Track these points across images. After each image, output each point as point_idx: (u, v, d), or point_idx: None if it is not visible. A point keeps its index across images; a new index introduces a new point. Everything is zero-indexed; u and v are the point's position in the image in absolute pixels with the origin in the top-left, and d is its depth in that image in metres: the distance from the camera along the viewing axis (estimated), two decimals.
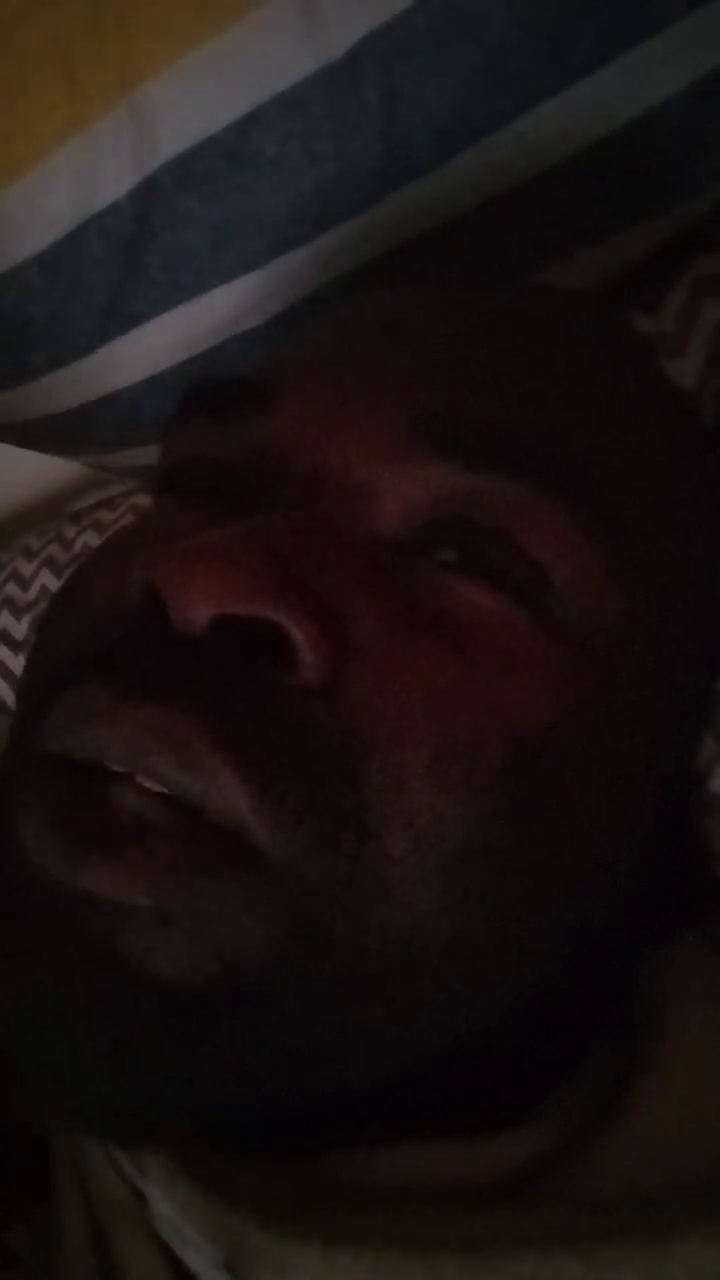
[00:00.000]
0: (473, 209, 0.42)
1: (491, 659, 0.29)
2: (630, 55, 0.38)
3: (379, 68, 0.39)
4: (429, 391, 0.31)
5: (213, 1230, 0.28)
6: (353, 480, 0.30)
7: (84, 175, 0.43)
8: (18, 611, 0.60)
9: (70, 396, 0.51)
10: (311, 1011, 0.27)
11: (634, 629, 0.31)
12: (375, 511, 0.30)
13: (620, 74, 0.38)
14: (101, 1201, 0.31)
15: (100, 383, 0.49)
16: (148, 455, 0.53)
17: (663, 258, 0.44)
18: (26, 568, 0.62)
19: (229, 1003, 0.27)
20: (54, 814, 0.27)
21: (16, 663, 0.59)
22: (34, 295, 0.46)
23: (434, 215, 0.42)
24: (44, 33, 0.41)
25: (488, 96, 0.39)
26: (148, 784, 0.27)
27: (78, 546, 0.61)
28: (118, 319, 0.47)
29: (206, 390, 0.35)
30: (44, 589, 0.60)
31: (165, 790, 0.27)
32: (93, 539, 0.61)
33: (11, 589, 0.61)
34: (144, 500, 0.61)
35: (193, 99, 0.41)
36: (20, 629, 0.59)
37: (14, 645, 0.59)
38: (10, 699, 0.58)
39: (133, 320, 0.47)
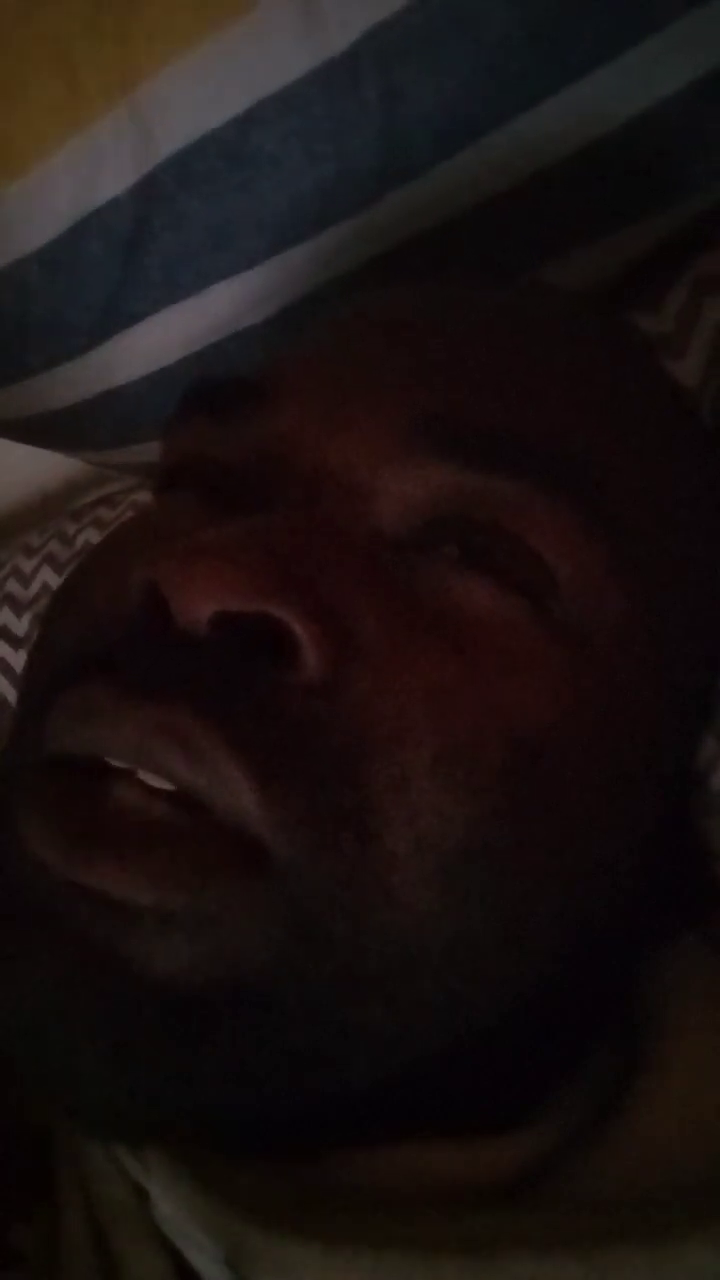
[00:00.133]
0: (472, 208, 0.42)
1: (492, 659, 0.29)
2: (629, 55, 0.38)
3: (378, 66, 0.39)
4: (429, 391, 0.31)
5: (214, 1229, 0.28)
6: (353, 480, 0.30)
7: (84, 173, 0.43)
8: (18, 608, 0.60)
9: (70, 394, 0.51)
10: (312, 1012, 0.27)
11: (634, 629, 0.31)
12: (376, 511, 0.30)
13: (619, 73, 0.38)
14: (103, 1200, 0.31)
15: (100, 380, 0.49)
16: (148, 452, 0.53)
17: (662, 257, 0.44)
18: (27, 565, 0.61)
19: (229, 1003, 0.27)
20: (55, 812, 0.28)
21: (17, 660, 0.58)
22: (34, 293, 0.46)
23: (433, 214, 0.42)
24: (44, 31, 0.41)
25: (487, 96, 0.39)
26: (151, 781, 0.27)
27: (78, 543, 0.61)
28: (117, 317, 0.47)
29: (206, 390, 0.35)
30: (45, 586, 0.60)
31: (169, 787, 0.27)
32: (93, 536, 0.60)
33: (12, 586, 0.61)
34: (144, 497, 0.61)
35: (192, 97, 0.41)
36: (21, 626, 0.59)
37: (15, 642, 0.59)
38: (11, 696, 0.58)
39: (132, 318, 0.47)
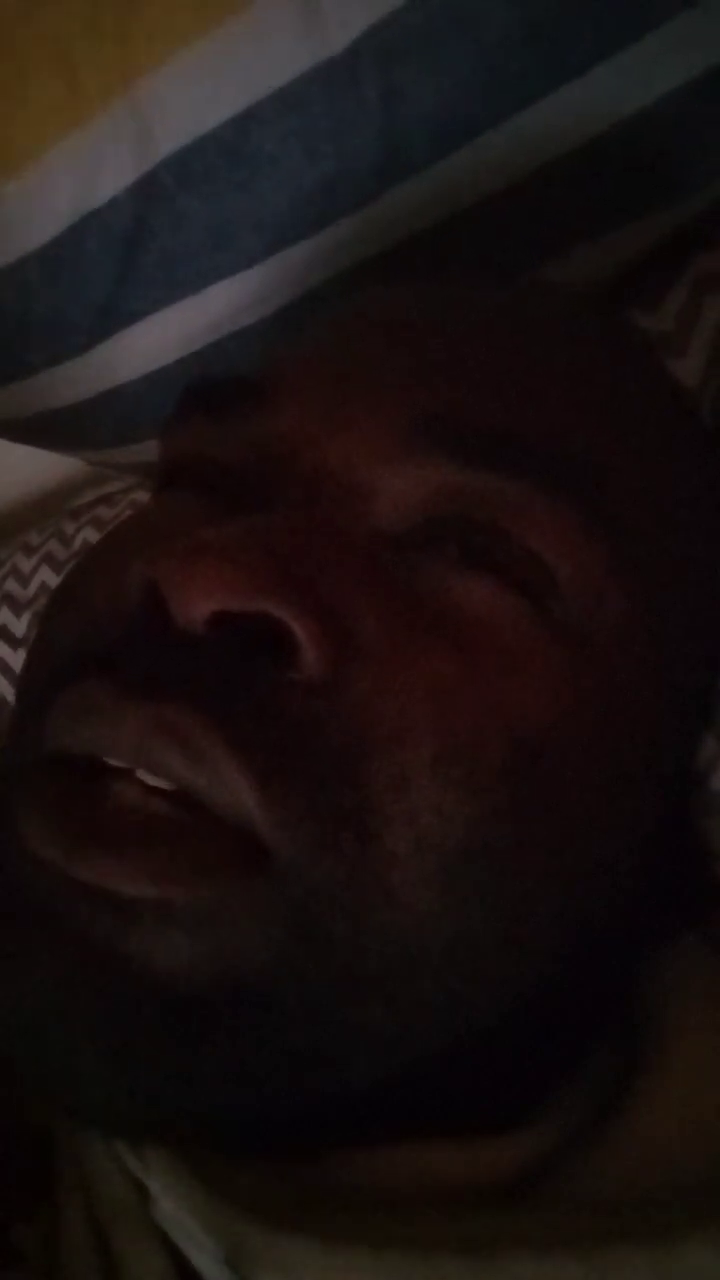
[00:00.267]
0: (471, 207, 0.42)
1: (492, 658, 0.29)
2: (627, 53, 0.38)
3: (378, 65, 0.39)
4: (429, 391, 0.31)
5: (214, 1228, 0.28)
6: (353, 480, 0.30)
7: (83, 172, 0.43)
8: (17, 608, 0.60)
9: (69, 393, 0.51)
10: (312, 1012, 0.27)
11: (634, 629, 0.31)
12: (376, 511, 0.30)
13: (617, 72, 0.38)
14: (103, 1199, 0.31)
15: (99, 379, 0.49)
16: (147, 452, 0.53)
17: (662, 257, 0.44)
18: (26, 564, 0.62)
19: (229, 1003, 0.27)
20: (55, 811, 0.28)
21: (16, 659, 0.58)
22: (33, 292, 0.46)
23: (432, 213, 0.42)
24: (44, 31, 0.41)
25: (486, 94, 0.39)
26: (150, 780, 0.27)
27: (77, 543, 0.61)
28: (117, 316, 0.46)
29: (205, 389, 0.35)
30: (43, 585, 0.60)
31: (168, 786, 0.27)
32: (92, 535, 0.60)
33: (11, 585, 0.61)
34: (143, 497, 0.61)
35: (192, 96, 0.41)
36: (20, 625, 0.59)
37: (14, 642, 0.59)
38: (10, 696, 0.58)
39: (132, 317, 0.46)
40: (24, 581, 0.61)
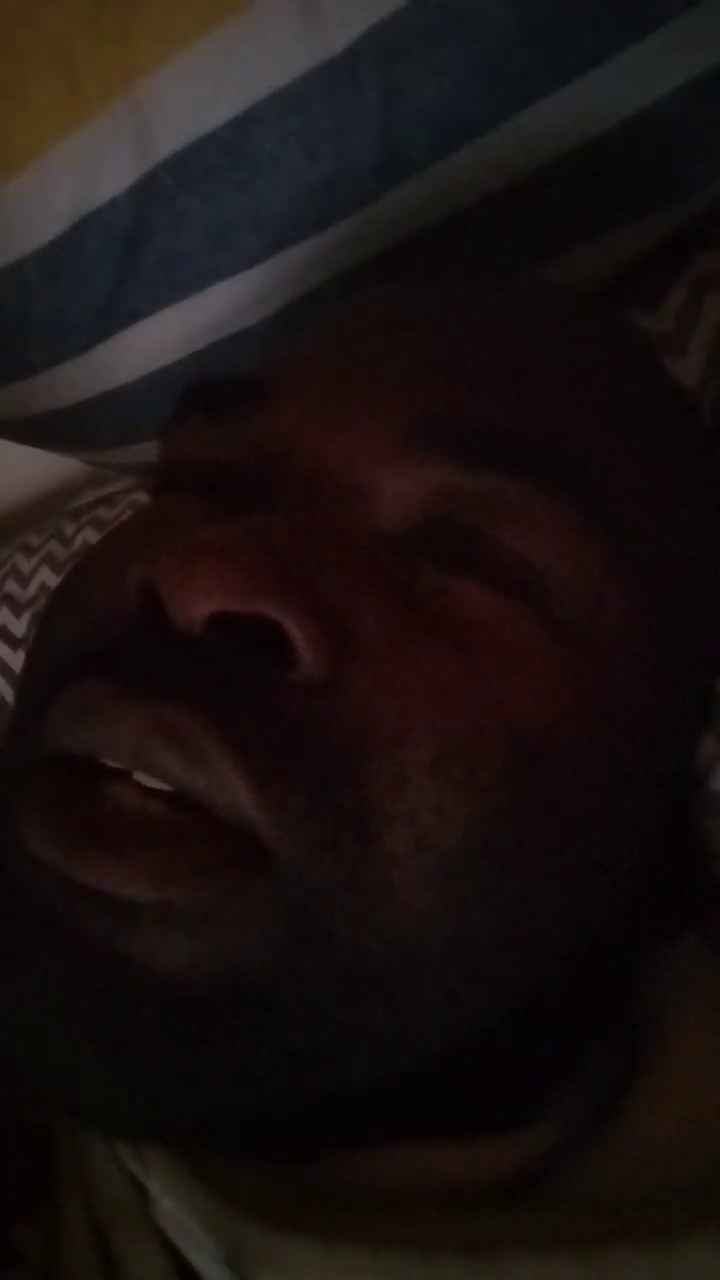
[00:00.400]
0: (471, 206, 0.42)
1: (492, 658, 0.29)
2: (627, 53, 0.38)
3: (378, 65, 0.39)
4: (429, 391, 0.31)
5: (214, 1227, 0.28)
6: (353, 480, 0.30)
7: (83, 172, 0.43)
8: (17, 608, 0.60)
9: (69, 393, 0.51)
10: (312, 1012, 0.27)
11: (634, 629, 0.31)
12: (375, 511, 0.30)
13: (617, 72, 0.38)
14: (103, 1199, 0.31)
15: (99, 379, 0.49)
16: (147, 452, 0.53)
17: (662, 257, 0.44)
18: (25, 564, 0.62)
19: (229, 1003, 0.27)
20: (55, 811, 0.28)
21: (16, 659, 0.58)
22: (33, 292, 0.46)
23: (432, 213, 0.42)
24: (44, 31, 0.41)
25: (485, 94, 0.39)
26: (149, 781, 0.27)
27: (77, 543, 0.61)
28: (117, 316, 0.47)
29: (205, 389, 0.35)
30: (43, 586, 0.60)
31: (167, 787, 0.27)
32: (92, 536, 0.60)
33: (11, 586, 0.61)
34: (143, 497, 0.61)
35: (192, 96, 0.41)
36: (19, 626, 0.59)
37: (13, 642, 0.59)
38: (10, 696, 0.58)
39: (131, 317, 0.47)
40: (24, 582, 0.61)
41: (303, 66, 0.39)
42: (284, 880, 0.26)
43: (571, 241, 0.43)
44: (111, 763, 0.28)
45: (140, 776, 0.27)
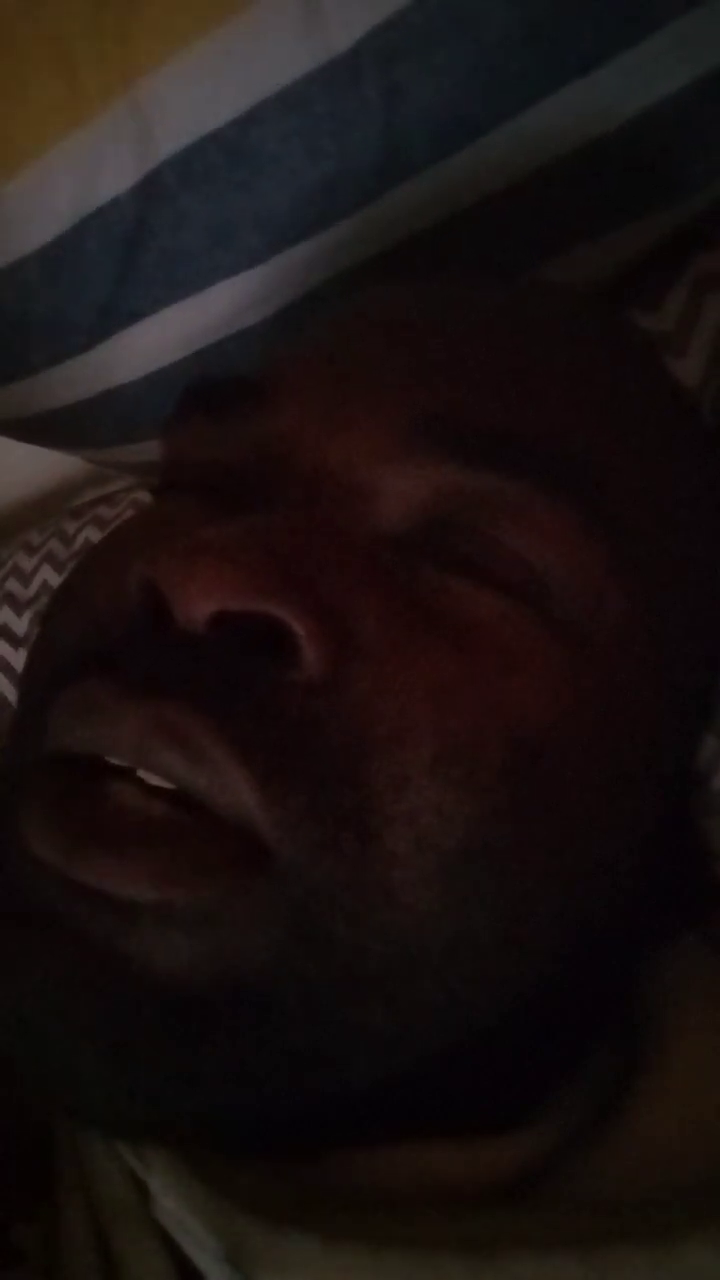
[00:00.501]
0: (471, 206, 0.42)
1: (492, 658, 0.29)
2: (629, 54, 0.38)
3: (380, 65, 0.39)
4: (429, 391, 0.31)
5: (215, 1226, 0.28)
6: (353, 480, 0.30)
7: (84, 172, 0.43)
8: (19, 607, 0.60)
9: (70, 392, 0.51)
10: (312, 1012, 0.27)
11: (634, 629, 0.31)
12: (376, 511, 0.30)
13: (619, 73, 0.38)
14: (104, 1199, 0.31)
15: (100, 379, 0.49)
16: (148, 451, 0.53)
17: (662, 257, 0.44)
18: (27, 563, 0.61)
19: (229, 1003, 0.27)
20: (55, 811, 0.28)
21: (18, 658, 0.58)
22: (34, 291, 0.46)
23: (433, 213, 0.42)
24: (44, 31, 0.41)
25: (486, 95, 0.39)
26: (151, 780, 0.27)
27: (78, 542, 0.61)
28: (117, 315, 0.46)
29: (205, 389, 0.35)
30: (45, 584, 0.60)
31: (169, 786, 0.27)
32: (93, 535, 0.60)
33: (12, 584, 0.61)
34: (145, 496, 0.61)
35: (192, 96, 0.41)
36: (21, 624, 0.59)
37: (15, 641, 0.59)
38: (12, 695, 0.58)
39: (132, 317, 0.46)
40: (25, 580, 0.61)
41: (304, 66, 0.39)
42: (285, 880, 0.26)
43: (571, 241, 0.43)
44: (113, 761, 0.28)
45: (142, 774, 0.27)
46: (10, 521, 0.73)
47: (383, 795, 0.27)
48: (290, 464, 0.31)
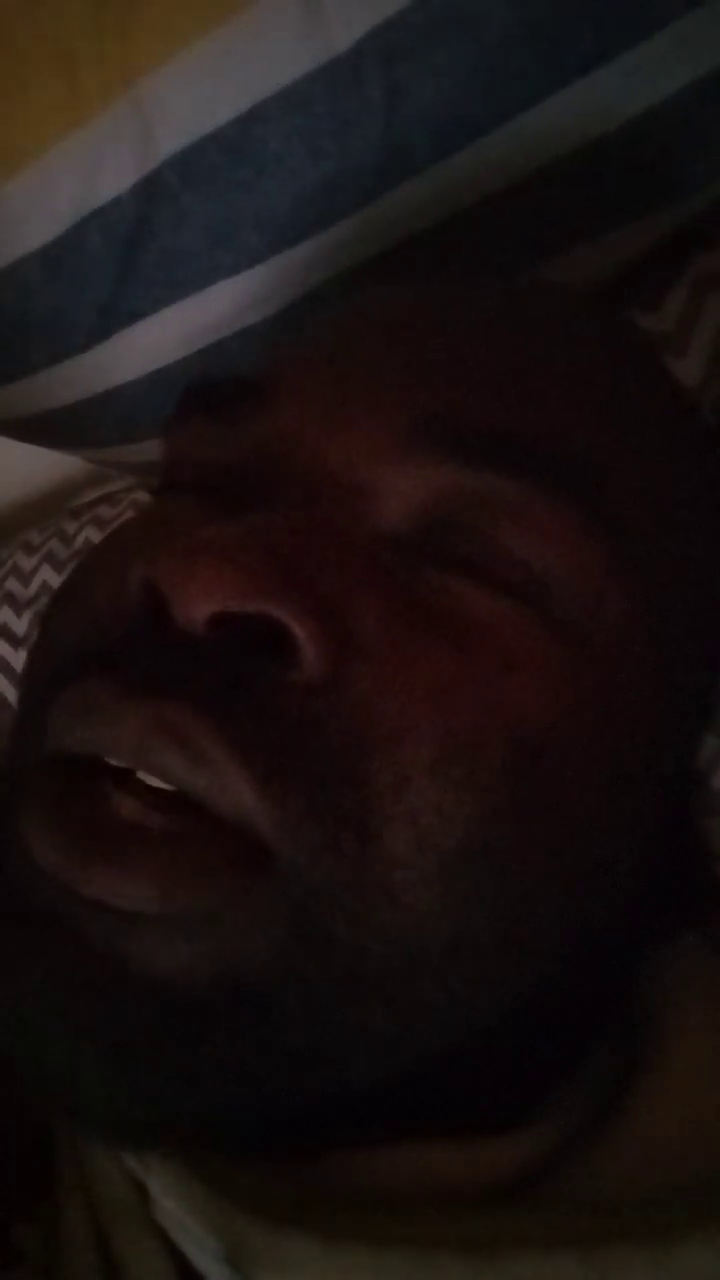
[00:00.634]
0: (471, 206, 0.42)
1: (492, 658, 0.29)
2: (629, 54, 0.38)
3: (381, 65, 0.39)
4: (429, 391, 0.31)
5: (215, 1227, 0.28)
6: (353, 480, 0.30)
7: (85, 171, 0.43)
8: (18, 607, 0.60)
9: (70, 392, 0.51)
10: (312, 1012, 0.27)
11: (634, 629, 0.31)
12: (376, 511, 0.30)
13: (619, 73, 0.38)
14: (104, 1199, 0.31)
15: (100, 379, 0.49)
16: (148, 451, 0.53)
17: (662, 257, 0.44)
18: (27, 563, 0.62)
19: (230, 1004, 0.27)
20: (55, 812, 0.28)
21: (17, 658, 0.58)
22: (34, 291, 0.46)
23: (433, 213, 0.42)
24: (44, 30, 0.41)
25: (487, 95, 0.39)
26: (151, 781, 0.27)
27: (78, 542, 0.61)
28: (117, 315, 0.46)
29: (205, 389, 0.35)
30: (45, 584, 0.60)
31: (169, 787, 0.27)
32: (94, 535, 0.60)
33: (12, 584, 0.61)
34: (145, 496, 0.61)
35: (193, 96, 0.41)
36: (21, 625, 0.59)
37: (15, 641, 0.59)
38: (12, 695, 0.58)
39: (132, 316, 0.46)
40: (25, 580, 0.61)
41: (305, 66, 0.39)
42: (285, 881, 0.26)
43: (571, 241, 0.43)
44: (113, 761, 0.28)
45: (141, 775, 0.27)
46: (10, 521, 0.73)
47: (383, 795, 0.27)
48: (290, 464, 0.31)
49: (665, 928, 0.36)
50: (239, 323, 0.46)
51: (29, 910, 0.27)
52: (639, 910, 0.33)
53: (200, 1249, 0.29)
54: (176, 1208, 0.29)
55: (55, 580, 0.59)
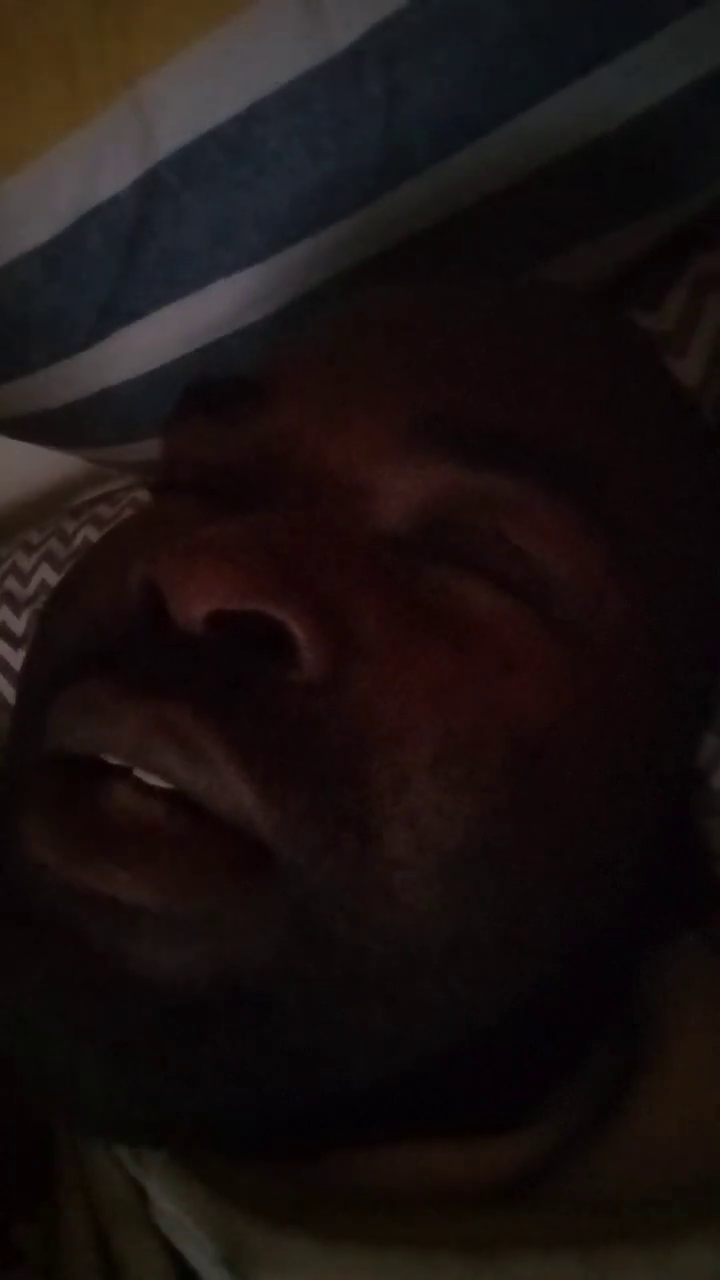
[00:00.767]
0: (471, 207, 0.42)
1: (492, 658, 0.29)
2: (629, 54, 0.38)
3: (380, 64, 0.39)
4: (429, 391, 0.31)
5: (214, 1227, 0.28)
6: (353, 479, 0.30)
7: (85, 169, 0.43)
8: (17, 606, 0.60)
9: (69, 391, 0.50)
10: (312, 1012, 0.27)
11: (634, 629, 0.31)
12: (376, 511, 0.30)
13: (619, 73, 0.38)
14: (103, 1200, 0.31)
15: (99, 378, 0.49)
16: (147, 450, 0.53)
17: (662, 257, 0.44)
18: (26, 562, 0.62)
19: (229, 1004, 0.27)
20: (55, 812, 0.28)
21: (16, 658, 0.59)
22: (34, 290, 0.46)
23: (433, 212, 0.42)
24: (44, 29, 0.41)
25: (487, 94, 0.39)
26: (150, 780, 0.27)
27: (77, 541, 0.61)
28: (117, 314, 0.46)
29: (205, 388, 0.35)
30: (43, 584, 0.60)
31: (168, 786, 0.27)
32: (92, 534, 0.60)
33: (11, 584, 0.61)
34: (144, 496, 0.61)
35: (193, 95, 0.41)
36: (19, 624, 0.59)
37: (13, 640, 0.59)
38: (10, 695, 0.58)
39: (132, 315, 0.46)
40: (24, 579, 0.61)
41: (304, 65, 0.39)
42: (285, 881, 0.26)
43: (571, 241, 0.43)
44: (113, 761, 0.28)
45: (141, 775, 0.27)
46: (10, 521, 0.73)
47: (383, 795, 0.27)
48: (290, 464, 0.31)
49: (665, 928, 0.36)
50: (239, 322, 0.46)
51: (29, 910, 0.27)
52: (639, 910, 0.33)
53: (199, 1250, 0.29)
54: (174, 1209, 0.29)
55: (54, 579, 0.59)
